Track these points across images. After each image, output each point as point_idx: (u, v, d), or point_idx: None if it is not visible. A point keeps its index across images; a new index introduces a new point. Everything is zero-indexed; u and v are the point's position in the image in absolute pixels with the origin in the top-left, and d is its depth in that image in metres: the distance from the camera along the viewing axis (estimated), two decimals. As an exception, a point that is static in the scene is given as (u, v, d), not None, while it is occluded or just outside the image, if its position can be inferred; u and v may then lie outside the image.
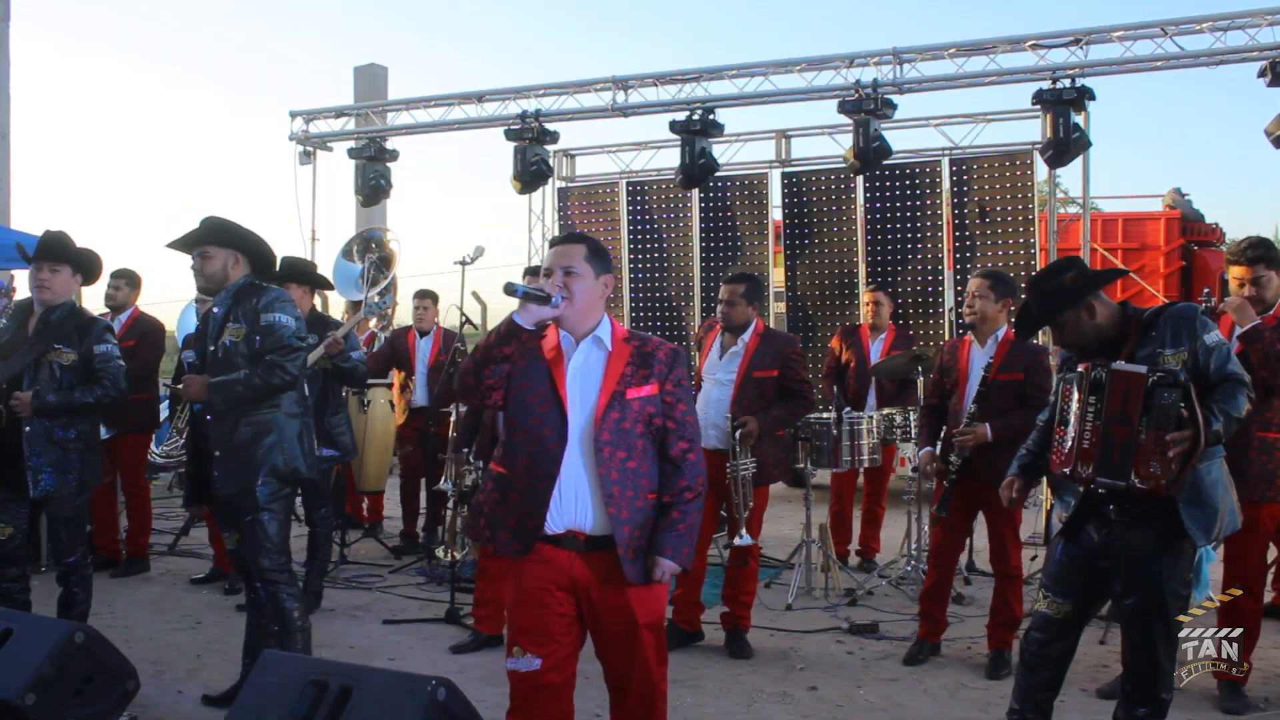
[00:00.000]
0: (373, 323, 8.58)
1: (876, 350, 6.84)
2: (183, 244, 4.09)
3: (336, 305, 8.92)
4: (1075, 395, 3.20)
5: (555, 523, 2.91)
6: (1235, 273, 4.26)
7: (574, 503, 2.90)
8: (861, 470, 6.46)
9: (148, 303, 7.12)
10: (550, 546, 2.92)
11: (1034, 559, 6.32)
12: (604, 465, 2.88)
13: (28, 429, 4.32)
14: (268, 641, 4.00)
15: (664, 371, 2.97)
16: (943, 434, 4.91)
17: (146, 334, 6.63)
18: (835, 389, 6.63)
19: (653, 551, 2.91)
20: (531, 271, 5.05)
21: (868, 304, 7.05)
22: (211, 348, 4.01)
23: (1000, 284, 4.86)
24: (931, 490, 5.25)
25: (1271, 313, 4.17)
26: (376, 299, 8.35)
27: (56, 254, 4.46)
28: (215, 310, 4.06)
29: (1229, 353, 3.20)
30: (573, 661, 2.98)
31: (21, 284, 6.40)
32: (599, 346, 2.98)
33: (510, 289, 2.89)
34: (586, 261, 2.97)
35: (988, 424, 4.61)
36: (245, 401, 3.91)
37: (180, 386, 5.94)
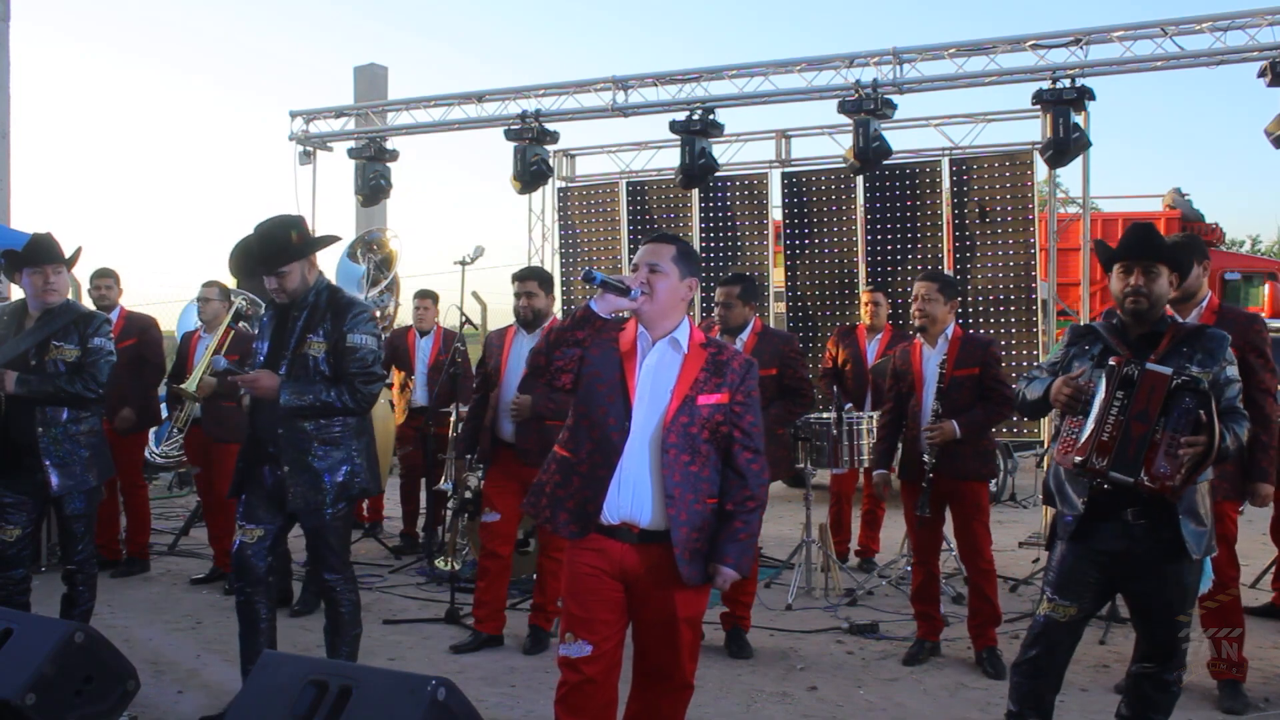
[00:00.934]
0: (373, 323, 8.57)
1: (873, 351, 6.84)
2: (264, 271, 3.93)
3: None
4: (1102, 388, 3.21)
5: (611, 513, 2.97)
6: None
7: (632, 496, 2.96)
8: (861, 470, 6.46)
9: (143, 303, 7.12)
10: (604, 537, 2.99)
11: (1035, 561, 6.32)
12: (668, 467, 2.93)
13: (40, 428, 4.31)
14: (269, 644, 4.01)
15: (736, 382, 3.01)
16: (902, 437, 4.95)
17: (144, 330, 6.62)
18: (835, 389, 6.63)
19: (715, 559, 2.98)
20: (519, 276, 5.04)
21: (866, 304, 7.05)
22: (286, 354, 3.94)
23: (947, 286, 4.93)
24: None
25: (1206, 307, 4.23)
26: (378, 298, 8.37)
27: (59, 256, 4.47)
28: (295, 315, 3.97)
29: (1239, 391, 3.33)
30: (619, 650, 3.04)
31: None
32: (675, 349, 3.02)
33: (589, 277, 2.91)
34: (674, 262, 3.01)
35: (954, 421, 4.66)
36: (311, 413, 3.88)
37: (183, 388, 5.98)
